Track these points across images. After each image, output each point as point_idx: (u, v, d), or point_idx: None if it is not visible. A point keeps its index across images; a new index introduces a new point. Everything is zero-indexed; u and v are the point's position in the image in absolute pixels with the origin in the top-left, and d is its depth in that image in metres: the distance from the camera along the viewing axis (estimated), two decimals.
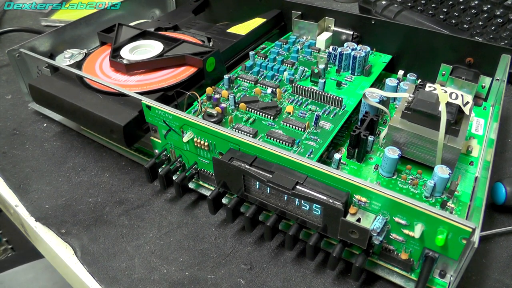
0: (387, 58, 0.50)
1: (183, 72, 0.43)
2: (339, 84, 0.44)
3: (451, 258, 0.27)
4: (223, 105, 0.40)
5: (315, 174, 0.29)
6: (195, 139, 0.34)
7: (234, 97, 0.41)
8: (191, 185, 0.38)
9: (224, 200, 0.36)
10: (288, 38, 0.54)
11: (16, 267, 0.60)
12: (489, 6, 0.61)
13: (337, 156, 0.36)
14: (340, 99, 0.40)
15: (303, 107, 0.41)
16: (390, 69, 0.50)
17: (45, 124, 0.48)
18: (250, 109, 0.40)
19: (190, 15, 0.60)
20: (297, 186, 0.29)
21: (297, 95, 0.42)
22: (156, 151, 0.40)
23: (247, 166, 0.31)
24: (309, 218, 0.30)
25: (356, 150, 0.37)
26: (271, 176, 0.30)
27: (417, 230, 0.26)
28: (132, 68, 0.43)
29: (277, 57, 0.49)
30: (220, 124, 0.38)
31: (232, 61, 0.49)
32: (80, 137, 0.46)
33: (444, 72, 0.47)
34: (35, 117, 0.50)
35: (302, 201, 0.29)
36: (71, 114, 0.40)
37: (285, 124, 0.38)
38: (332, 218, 0.28)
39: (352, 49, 0.46)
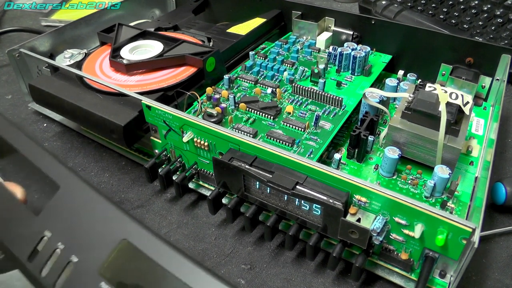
0: (387, 58, 0.50)
1: (183, 72, 0.43)
2: (339, 84, 0.44)
3: (451, 258, 0.27)
4: (223, 105, 0.40)
5: (315, 174, 0.29)
6: (195, 139, 0.34)
7: (234, 97, 0.41)
8: (191, 185, 0.38)
9: (224, 200, 0.36)
10: (288, 38, 0.54)
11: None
12: (489, 6, 0.61)
13: (337, 156, 0.36)
14: (340, 99, 0.40)
15: (303, 107, 0.41)
16: (390, 69, 0.50)
17: (45, 124, 0.48)
18: (250, 109, 0.40)
19: (190, 15, 0.60)
20: (297, 186, 0.29)
21: (297, 95, 0.42)
22: (156, 151, 0.40)
23: (247, 166, 0.31)
24: (309, 218, 0.30)
25: (356, 150, 0.37)
26: (271, 176, 0.30)
27: (417, 230, 0.26)
28: (132, 68, 0.43)
29: (277, 57, 0.49)
30: (220, 124, 0.38)
31: (232, 61, 0.49)
32: (80, 137, 0.46)
33: (444, 72, 0.47)
34: (35, 117, 0.50)
35: (302, 201, 0.29)
36: (71, 114, 0.40)
37: (285, 124, 0.38)
38: (332, 218, 0.28)
39: (352, 49, 0.46)
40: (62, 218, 0.24)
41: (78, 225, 0.23)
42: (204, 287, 0.19)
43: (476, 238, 0.24)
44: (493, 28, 0.58)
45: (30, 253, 0.23)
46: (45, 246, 0.23)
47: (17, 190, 0.28)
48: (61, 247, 0.22)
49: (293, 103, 0.41)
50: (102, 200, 0.23)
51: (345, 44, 0.47)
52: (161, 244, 0.21)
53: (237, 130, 0.37)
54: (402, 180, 0.34)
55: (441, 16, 0.62)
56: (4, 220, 0.25)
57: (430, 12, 0.63)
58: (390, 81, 0.43)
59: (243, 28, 0.54)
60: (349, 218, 0.28)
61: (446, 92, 0.35)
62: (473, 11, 0.62)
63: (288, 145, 0.36)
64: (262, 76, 0.46)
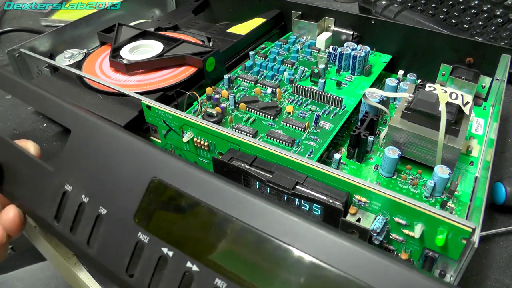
0: (387, 58, 0.50)
1: (183, 72, 0.43)
2: (339, 84, 0.44)
3: (451, 258, 0.27)
4: (223, 105, 0.40)
5: (315, 174, 0.29)
6: (195, 139, 0.34)
7: (234, 97, 0.41)
8: None
9: None
10: (288, 38, 0.54)
11: (17, 269, 0.60)
12: (489, 6, 0.61)
13: (337, 156, 0.36)
14: (340, 99, 0.40)
15: (303, 107, 0.41)
16: (390, 69, 0.50)
17: (45, 124, 0.48)
18: (250, 109, 0.40)
19: (190, 15, 0.60)
20: (297, 186, 0.29)
21: (297, 95, 0.42)
22: None
23: (247, 166, 0.31)
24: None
25: (356, 150, 0.37)
26: (271, 176, 0.30)
27: (417, 230, 0.26)
28: (132, 68, 0.43)
29: (277, 57, 0.49)
30: (220, 124, 0.38)
31: (232, 61, 0.49)
32: None
33: (444, 72, 0.47)
34: (35, 117, 0.49)
35: (302, 201, 0.29)
36: None
37: (285, 124, 0.38)
38: (332, 218, 0.28)
39: (352, 49, 0.46)
40: (80, 167, 0.20)
41: (99, 171, 0.20)
42: (259, 218, 0.16)
43: (476, 238, 0.24)
44: (493, 28, 0.58)
45: (55, 212, 0.21)
46: (68, 202, 0.20)
47: (30, 146, 0.25)
48: (85, 200, 0.20)
49: (293, 103, 0.41)
50: (121, 135, 0.20)
51: (345, 44, 0.47)
52: (201, 175, 0.17)
53: (237, 130, 0.37)
54: (402, 180, 0.34)
55: (441, 16, 0.62)
56: (23, 181, 0.23)
57: (430, 12, 0.63)
58: (390, 81, 0.43)
59: (243, 28, 0.54)
60: (349, 218, 0.28)
61: (446, 92, 0.35)
62: (473, 11, 0.62)
63: (288, 145, 0.36)
64: (262, 76, 0.46)
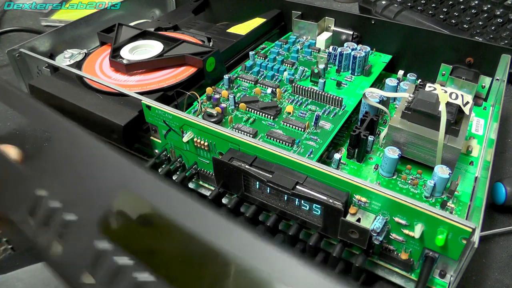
0: (387, 58, 0.50)
1: (183, 72, 0.43)
2: (339, 84, 0.44)
3: (451, 258, 0.27)
4: (223, 105, 0.40)
5: (315, 174, 0.29)
6: (195, 139, 0.34)
7: (234, 97, 0.41)
8: (191, 185, 0.38)
9: (224, 200, 0.36)
10: (288, 38, 0.54)
11: (17, 269, 0.60)
12: (489, 6, 0.61)
13: (337, 156, 0.36)
14: (340, 99, 0.40)
15: (303, 107, 0.41)
16: (390, 69, 0.50)
17: None
18: (250, 109, 0.40)
19: (190, 15, 0.60)
20: (297, 186, 0.29)
21: (297, 95, 0.42)
22: (156, 151, 0.40)
23: (247, 166, 0.31)
24: (309, 218, 0.30)
25: (356, 150, 0.37)
26: (271, 176, 0.30)
27: (417, 230, 0.26)
28: (132, 68, 0.43)
29: (277, 57, 0.49)
30: (220, 124, 0.37)
31: (232, 61, 0.49)
32: None
33: (444, 72, 0.47)
34: None
35: (302, 201, 0.29)
36: (71, 114, 0.40)
37: (285, 124, 0.38)
38: (332, 218, 0.28)
39: (352, 49, 0.46)
40: (55, 173, 0.21)
41: (73, 178, 0.20)
42: (221, 235, 0.16)
43: (476, 238, 0.24)
44: (493, 28, 0.58)
45: (26, 217, 0.21)
46: (40, 207, 0.20)
47: (10, 151, 0.26)
48: (56, 206, 0.20)
49: (293, 103, 0.41)
50: (96, 144, 0.20)
51: (345, 44, 0.47)
52: (169, 189, 0.17)
53: (237, 130, 0.37)
54: (402, 180, 0.34)
55: (441, 16, 0.62)
56: (0, 186, 0.23)
57: (430, 12, 0.63)
58: (390, 81, 0.43)
59: (243, 28, 0.54)
60: (349, 218, 0.28)
61: (446, 92, 0.35)
62: (473, 11, 0.62)
63: (288, 145, 0.36)
64: (262, 76, 0.46)
